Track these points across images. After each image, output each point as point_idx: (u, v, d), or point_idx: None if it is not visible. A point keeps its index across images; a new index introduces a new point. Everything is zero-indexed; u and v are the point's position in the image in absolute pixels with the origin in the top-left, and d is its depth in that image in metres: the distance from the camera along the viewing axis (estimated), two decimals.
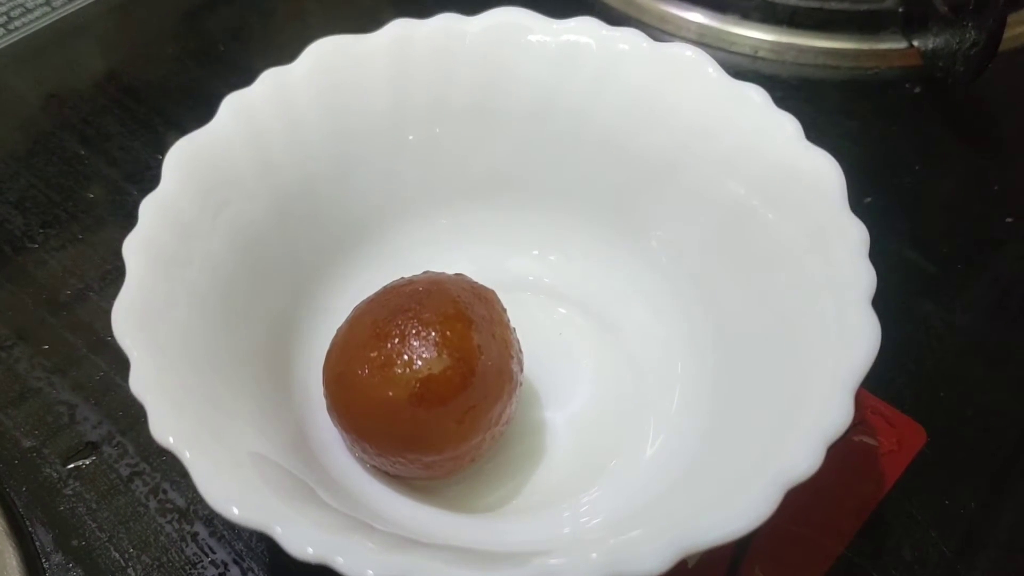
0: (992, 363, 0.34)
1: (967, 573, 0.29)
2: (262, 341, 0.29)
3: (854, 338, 0.24)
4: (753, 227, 0.29)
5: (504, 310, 0.29)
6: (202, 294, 0.27)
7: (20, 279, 0.36)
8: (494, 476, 0.30)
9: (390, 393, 0.26)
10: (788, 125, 0.29)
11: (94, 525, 0.30)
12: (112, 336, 0.24)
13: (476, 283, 0.29)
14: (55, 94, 0.43)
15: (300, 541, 0.21)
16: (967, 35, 0.39)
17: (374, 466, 0.28)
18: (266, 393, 0.28)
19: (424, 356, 0.26)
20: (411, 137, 0.32)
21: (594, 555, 0.22)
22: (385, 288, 0.29)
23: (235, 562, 0.29)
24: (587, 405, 0.31)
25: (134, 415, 0.32)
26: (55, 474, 0.31)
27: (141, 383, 0.24)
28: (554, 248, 0.34)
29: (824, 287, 0.26)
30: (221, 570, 0.29)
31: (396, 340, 0.26)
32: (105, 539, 0.30)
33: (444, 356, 0.26)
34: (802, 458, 0.22)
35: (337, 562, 0.21)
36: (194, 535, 0.30)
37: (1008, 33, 0.39)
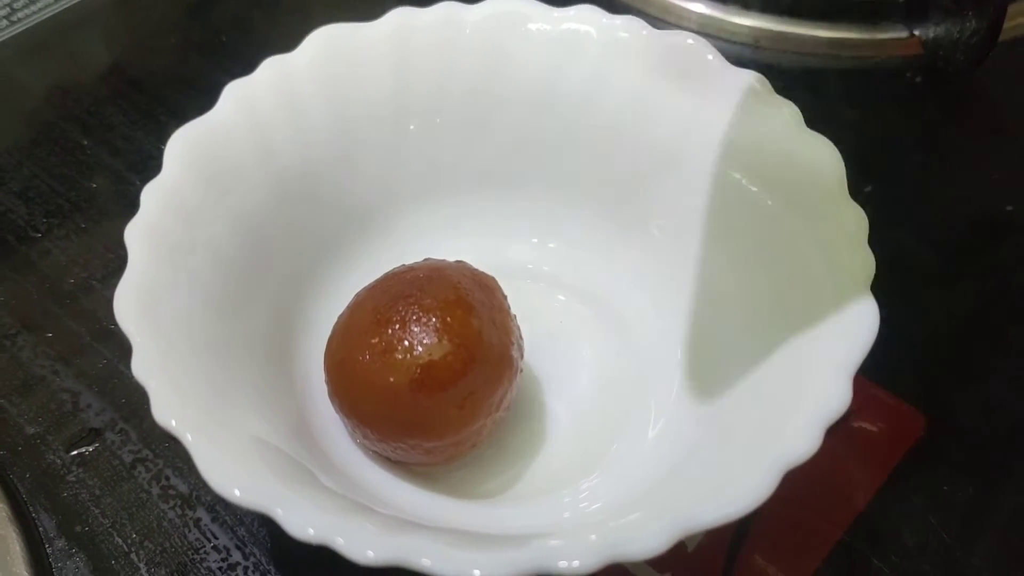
0: (990, 350, 0.34)
1: (966, 558, 0.29)
2: (263, 327, 0.29)
3: (853, 323, 0.25)
4: (753, 214, 0.29)
5: (504, 297, 0.29)
6: (204, 280, 0.27)
7: (24, 268, 0.36)
8: (495, 462, 0.30)
9: (391, 379, 0.26)
10: (788, 112, 0.29)
11: (97, 511, 0.30)
12: (115, 324, 0.24)
13: (477, 270, 0.29)
14: (58, 85, 0.43)
15: (301, 523, 0.21)
16: (968, 24, 0.39)
17: (375, 452, 0.29)
18: (268, 379, 0.28)
19: (425, 342, 0.26)
20: (412, 126, 0.33)
21: (593, 536, 0.22)
22: (386, 275, 0.29)
23: (237, 547, 0.29)
24: (587, 391, 0.31)
25: (137, 402, 0.32)
26: (58, 461, 0.31)
27: (143, 368, 0.24)
28: (554, 236, 0.34)
29: (824, 273, 0.26)
30: (224, 555, 0.29)
31: (397, 326, 0.27)
32: (108, 525, 0.30)
33: (445, 342, 0.26)
34: (800, 441, 0.22)
35: (338, 543, 0.21)
36: (197, 521, 0.30)
37: (1008, 23, 0.39)
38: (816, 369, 0.24)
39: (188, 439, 0.23)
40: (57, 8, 0.45)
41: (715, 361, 0.29)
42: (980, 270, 0.36)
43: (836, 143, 0.28)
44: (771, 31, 0.44)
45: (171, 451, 0.31)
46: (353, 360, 0.27)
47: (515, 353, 0.28)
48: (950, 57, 0.41)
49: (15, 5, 0.45)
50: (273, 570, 0.29)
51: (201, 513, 0.30)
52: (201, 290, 0.27)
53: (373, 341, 0.27)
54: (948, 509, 0.30)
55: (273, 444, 0.25)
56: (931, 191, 0.39)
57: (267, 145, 0.30)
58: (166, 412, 0.23)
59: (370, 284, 0.29)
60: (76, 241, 0.37)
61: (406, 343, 0.26)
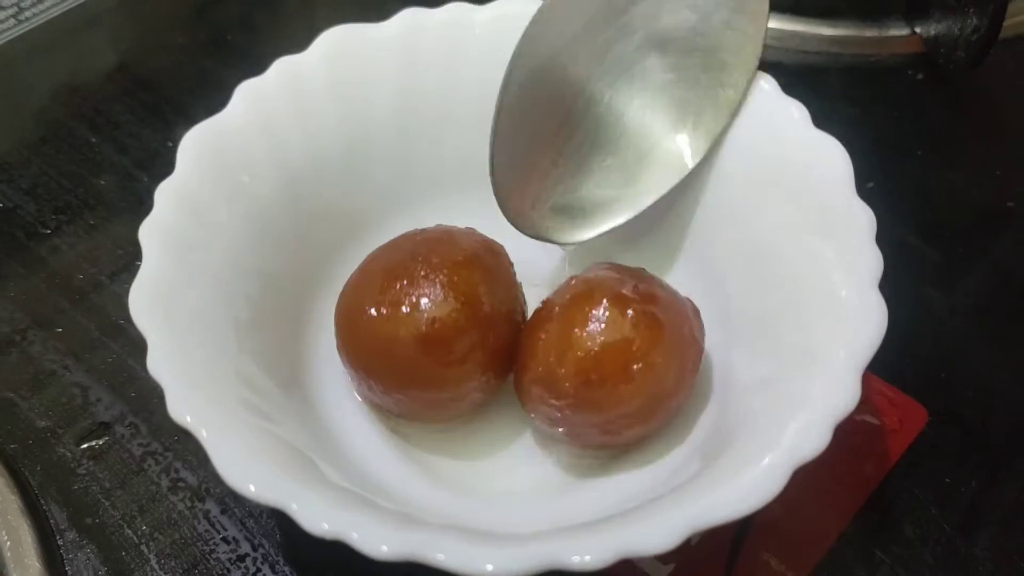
0: (992, 345, 0.34)
1: (968, 550, 0.29)
2: (275, 324, 0.29)
3: (862, 320, 0.25)
4: (762, 211, 0.29)
5: (511, 264, 0.30)
6: (217, 277, 0.28)
7: (34, 265, 0.37)
8: (507, 460, 0.30)
9: (397, 332, 0.27)
10: (796, 111, 0.29)
11: (107, 504, 0.30)
12: (124, 320, 0.25)
13: (486, 236, 0.30)
14: (66, 83, 0.43)
15: (316, 517, 0.22)
16: (968, 21, 0.39)
17: (378, 404, 0.29)
18: (281, 377, 0.28)
19: (431, 298, 0.27)
20: (421, 126, 0.33)
21: (603, 532, 0.22)
22: (397, 236, 0.30)
23: (246, 539, 0.29)
24: None
25: (147, 397, 0.32)
26: (69, 454, 0.31)
27: (158, 364, 0.24)
28: None
29: (832, 270, 0.26)
30: (233, 547, 0.29)
31: (405, 282, 0.27)
32: (118, 517, 0.30)
33: (450, 299, 0.27)
34: (810, 439, 0.23)
35: (352, 537, 0.21)
36: (206, 513, 0.30)
37: (1009, 20, 0.39)
38: (825, 366, 0.24)
39: (203, 435, 0.23)
40: (64, 7, 0.46)
41: (724, 357, 0.29)
42: (982, 265, 0.37)
43: (837, 140, 0.28)
44: (773, 29, 0.44)
45: (180, 444, 0.31)
46: (361, 312, 0.28)
47: (518, 317, 0.29)
48: (951, 54, 0.41)
49: (23, 4, 0.45)
50: (282, 561, 0.29)
51: (210, 505, 0.30)
52: (214, 288, 0.27)
53: (381, 296, 0.28)
54: (950, 501, 0.30)
55: (287, 440, 0.25)
56: (932, 187, 0.39)
57: (278, 144, 0.31)
58: (181, 408, 0.23)
59: (382, 245, 0.30)
60: (85, 237, 0.38)
61: (413, 299, 0.27)
